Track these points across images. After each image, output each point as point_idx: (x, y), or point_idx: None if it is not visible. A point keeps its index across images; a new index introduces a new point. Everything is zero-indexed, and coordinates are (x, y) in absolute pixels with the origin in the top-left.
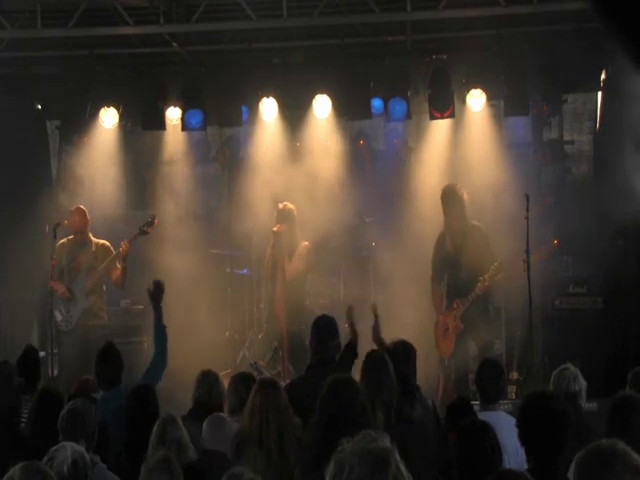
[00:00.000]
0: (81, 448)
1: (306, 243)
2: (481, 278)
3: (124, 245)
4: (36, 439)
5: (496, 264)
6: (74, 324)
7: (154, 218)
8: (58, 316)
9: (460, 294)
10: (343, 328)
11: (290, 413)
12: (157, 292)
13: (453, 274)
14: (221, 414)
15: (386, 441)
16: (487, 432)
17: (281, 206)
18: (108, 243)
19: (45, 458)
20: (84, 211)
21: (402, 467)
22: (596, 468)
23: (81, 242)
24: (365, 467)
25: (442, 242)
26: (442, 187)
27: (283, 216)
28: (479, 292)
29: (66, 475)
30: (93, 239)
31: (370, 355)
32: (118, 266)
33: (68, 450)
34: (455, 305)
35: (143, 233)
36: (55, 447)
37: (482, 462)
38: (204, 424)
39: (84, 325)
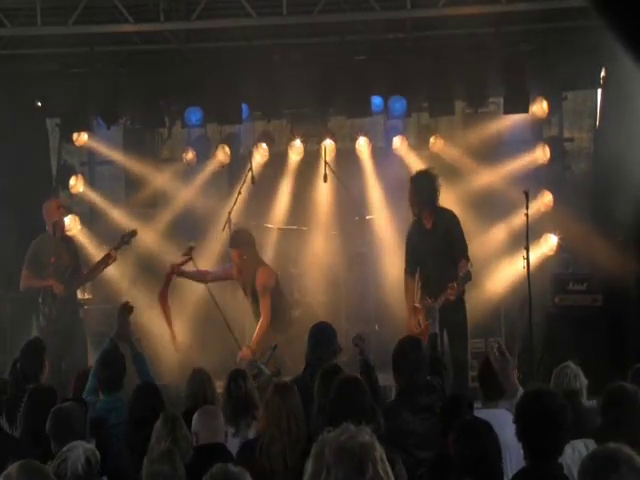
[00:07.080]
0: (92, 446)
1: (262, 269)
2: (450, 285)
3: (113, 254)
4: (28, 436)
5: (463, 274)
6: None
7: (135, 231)
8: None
9: (434, 284)
10: (342, 332)
11: (304, 417)
12: (122, 316)
13: (426, 266)
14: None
15: (365, 435)
16: (487, 431)
17: (234, 231)
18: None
19: (57, 461)
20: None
21: (381, 467)
22: (601, 470)
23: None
24: (342, 470)
25: (414, 230)
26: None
27: (238, 242)
28: (446, 298)
29: (81, 474)
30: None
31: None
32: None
33: (80, 449)
34: (426, 302)
35: (126, 243)
36: (66, 447)
37: (482, 461)
38: (194, 416)
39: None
